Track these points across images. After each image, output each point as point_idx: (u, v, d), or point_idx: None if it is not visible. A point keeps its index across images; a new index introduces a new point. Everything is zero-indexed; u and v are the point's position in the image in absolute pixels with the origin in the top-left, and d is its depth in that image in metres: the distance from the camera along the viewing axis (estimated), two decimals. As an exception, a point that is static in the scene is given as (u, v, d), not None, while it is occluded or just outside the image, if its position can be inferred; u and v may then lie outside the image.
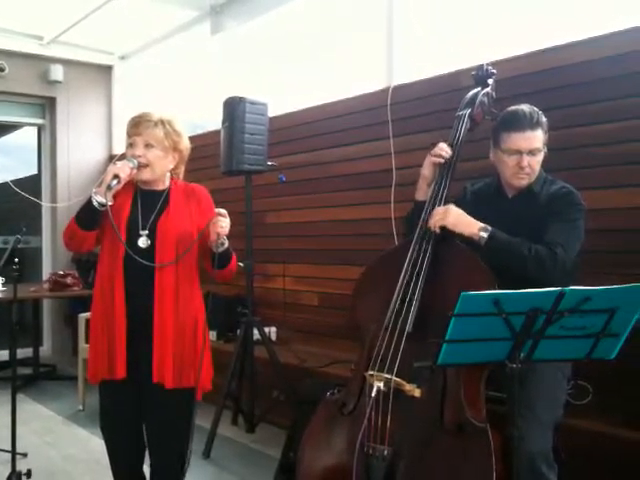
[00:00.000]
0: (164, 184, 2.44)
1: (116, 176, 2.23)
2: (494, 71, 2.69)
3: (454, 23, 3.89)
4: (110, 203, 2.23)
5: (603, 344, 1.81)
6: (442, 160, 2.43)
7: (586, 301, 1.69)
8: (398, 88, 4.03)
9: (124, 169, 2.26)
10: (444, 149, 2.44)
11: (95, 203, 2.24)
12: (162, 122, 2.35)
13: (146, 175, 2.35)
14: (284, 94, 4.87)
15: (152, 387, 2.30)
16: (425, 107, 3.81)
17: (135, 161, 2.31)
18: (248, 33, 5.34)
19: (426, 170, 2.48)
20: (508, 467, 1.95)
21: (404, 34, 4.12)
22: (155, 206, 2.38)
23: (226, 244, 2.31)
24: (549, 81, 3.24)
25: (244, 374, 3.94)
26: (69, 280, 5.42)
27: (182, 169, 2.52)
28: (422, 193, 2.50)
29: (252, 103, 3.85)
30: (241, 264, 3.77)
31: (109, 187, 2.22)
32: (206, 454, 3.66)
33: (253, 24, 5.28)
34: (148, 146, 2.33)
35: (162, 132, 2.34)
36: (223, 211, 2.28)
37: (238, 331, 3.96)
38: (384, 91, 4.08)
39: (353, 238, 4.25)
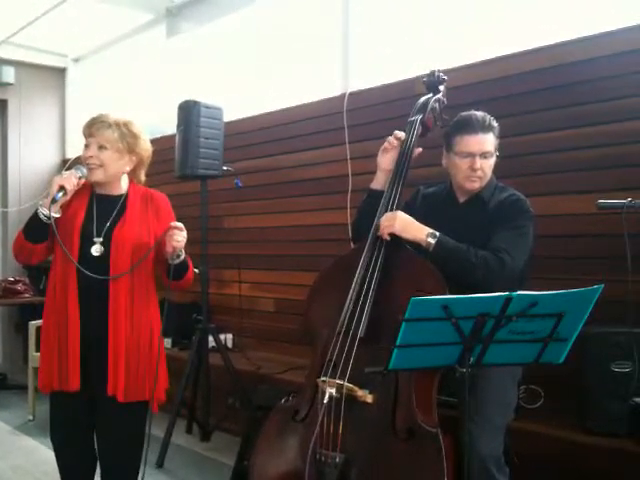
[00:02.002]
0: (121, 189, 2.39)
1: (62, 187, 2.18)
2: (445, 77, 2.71)
3: (409, 30, 3.92)
4: (57, 215, 2.18)
5: (551, 348, 1.83)
6: (396, 144, 2.46)
7: (533, 306, 1.71)
8: (354, 94, 4.05)
9: (70, 180, 2.20)
10: (399, 133, 2.48)
11: (42, 216, 2.18)
12: (117, 124, 2.31)
13: (98, 176, 2.30)
14: (241, 99, 4.84)
15: (105, 399, 2.25)
16: (381, 113, 3.83)
17: (84, 170, 2.26)
18: (204, 36, 5.29)
19: (382, 159, 2.51)
20: (460, 471, 1.96)
21: (360, 40, 4.14)
22: (111, 212, 2.33)
23: (182, 256, 2.28)
24: (500, 89, 3.30)
25: (199, 382, 3.89)
26: (20, 287, 5.30)
27: (142, 173, 2.46)
28: (378, 182, 2.52)
29: (207, 107, 3.82)
30: (196, 270, 3.73)
31: (54, 200, 2.16)
32: (159, 463, 3.59)
33: (210, 27, 5.24)
34: (101, 148, 2.29)
35: (116, 134, 2.30)
36: (180, 225, 2.24)
37: (193, 338, 3.91)
38: (340, 97, 4.09)
39: (310, 244, 4.24)
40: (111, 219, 2.31)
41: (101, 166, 2.29)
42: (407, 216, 2.30)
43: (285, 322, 4.34)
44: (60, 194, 2.17)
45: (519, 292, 1.68)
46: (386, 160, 2.50)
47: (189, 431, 4.08)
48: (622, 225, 1.82)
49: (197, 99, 3.82)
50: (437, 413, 2.14)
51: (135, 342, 2.27)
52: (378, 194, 2.47)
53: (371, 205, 2.45)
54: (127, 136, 2.32)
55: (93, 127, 2.30)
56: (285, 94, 4.55)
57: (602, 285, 1.69)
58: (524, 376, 2.60)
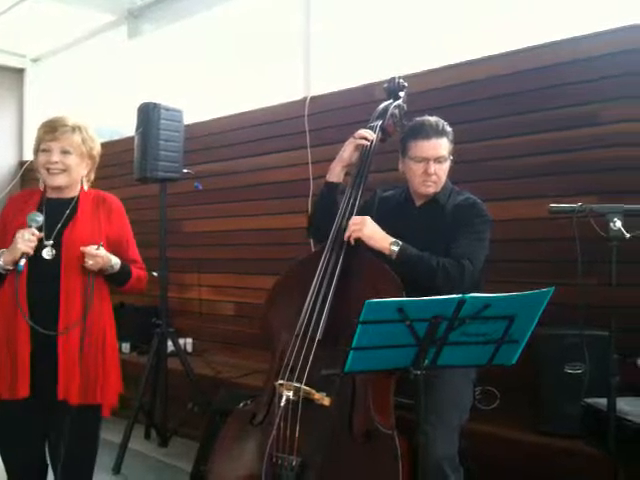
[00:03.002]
0: (73, 191, 2.36)
1: (24, 254, 2.14)
2: (405, 84, 2.75)
3: (371, 36, 3.96)
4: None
5: (504, 350, 1.85)
6: (366, 142, 2.47)
7: (486, 308, 1.73)
8: (315, 99, 4.06)
9: (32, 243, 2.16)
10: (368, 132, 2.48)
11: (1, 270, 2.19)
12: (79, 128, 2.29)
13: (62, 181, 2.29)
14: (202, 101, 4.82)
15: (57, 404, 2.20)
16: (341, 118, 3.85)
17: (39, 218, 2.20)
18: (166, 38, 5.25)
19: (346, 153, 2.51)
20: (415, 472, 1.97)
21: (321, 45, 4.16)
22: (62, 215, 2.29)
23: (116, 267, 2.28)
24: (457, 96, 3.35)
25: (158, 387, 3.84)
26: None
27: (92, 176, 2.45)
28: (334, 175, 2.53)
29: (167, 109, 3.79)
30: (154, 273, 3.70)
31: (19, 270, 2.13)
32: (116, 470, 3.53)
33: (171, 29, 5.20)
34: (65, 152, 2.27)
35: (79, 138, 2.28)
36: (89, 251, 2.20)
37: (152, 342, 3.86)
38: (302, 101, 4.10)
39: (270, 247, 4.23)
40: (62, 221, 2.28)
41: (65, 170, 2.27)
42: (374, 223, 2.33)
43: (245, 326, 4.32)
44: (23, 261, 2.14)
45: (472, 294, 1.71)
46: (352, 155, 2.50)
47: (147, 437, 4.02)
48: (573, 229, 1.85)
49: (157, 101, 3.79)
50: (394, 415, 2.15)
51: (87, 346, 2.24)
52: (335, 187, 2.50)
53: (328, 198, 2.49)
54: (87, 140, 2.32)
55: (56, 132, 2.26)
56: (247, 97, 4.55)
57: (553, 288, 1.72)
58: (480, 378, 2.64)
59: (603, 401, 1.86)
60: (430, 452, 2.02)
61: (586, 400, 2.05)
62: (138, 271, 2.43)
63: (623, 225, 1.82)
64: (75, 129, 2.28)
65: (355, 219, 2.34)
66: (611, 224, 1.80)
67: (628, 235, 1.79)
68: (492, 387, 2.99)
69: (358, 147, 2.49)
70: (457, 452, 2.16)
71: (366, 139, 2.48)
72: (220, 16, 4.78)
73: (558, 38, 3.10)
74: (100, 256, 2.22)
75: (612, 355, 1.83)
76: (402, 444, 2.03)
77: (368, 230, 2.30)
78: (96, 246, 2.21)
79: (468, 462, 2.28)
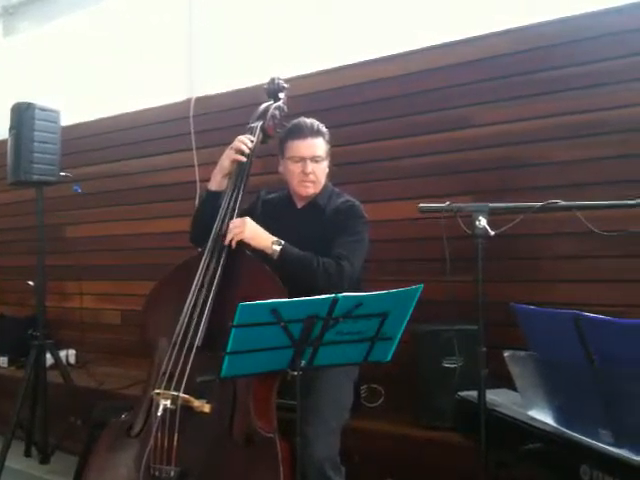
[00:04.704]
0: None
1: None
2: (285, 85, 2.75)
3: (255, 38, 3.93)
4: None
5: (378, 347, 1.88)
6: (244, 159, 2.44)
7: (359, 306, 1.75)
8: (201, 100, 4.00)
9: None
10: (244, 141, 2.45)
11: None
12: None
13: None
14: (82, 102, 4.62)
15: None
16: (228, 119, 3.79)
17: None
18: (43, 36, 5.01)
19: (226, 162, 2.47)
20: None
21: (206, 46, 4.10)
22: None
23: None
24: (339, 99, 3.40)
25: (37, 401, 3.64)
26: None
27: None
28: (215, 183, 2.49)
29: (42, 110, 3.60)
30: (30, 282, 3.52)
31: None
32: (-9, 492, 3.32)
33: (49, 27, 4.97)
34: None
35: None
36: None
37: (29, 355, 3.65)
38: (187, 102, 4.02)
39: (157, 252, 4.12)
40: None
41: None
42: (255, 223, 2.31)
43: (132, 334, 4.16)
44: None
45: (344, 293, 1.72)
46: (232, 164, 2.47)
47: (28, 454, 3.80)
48: (441, 228, 1.91)
49: (32, 101, 3.60)
50: (277, 417, 2.13)
51: None
52: (217, 195, 2.47)
53: (209, 206, 2.45)
54: None
55: None
56: (129, 98, 4.40)
57: (422, 285, 1.76)
58: (365, 376, 2.68)
59: (475, 393, 1.92)
60: (310, 453, 2.01)
61: (459, 393, 2.12)
62: None
63: (488, 223, 1.89)
64: None
65: (235, 222, 2.31)
66: (477, 222, 1.87)
67: (492, 232, 1.86)
68: (377, 385, 3.04)
69: (235, 160, 2.46)
70: (338, 452, 2.17)
71: (242, 152, 2.45)
72: (100, 14, 4.61)
73: (434, 43, 3.19)
74: None
75: (481, 349, 1.89)
76: (283, 447, 2.01)
77: (249, 231, 2.28)
78: None
79: (352, 460, 2.30)
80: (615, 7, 2.76)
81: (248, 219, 2.32)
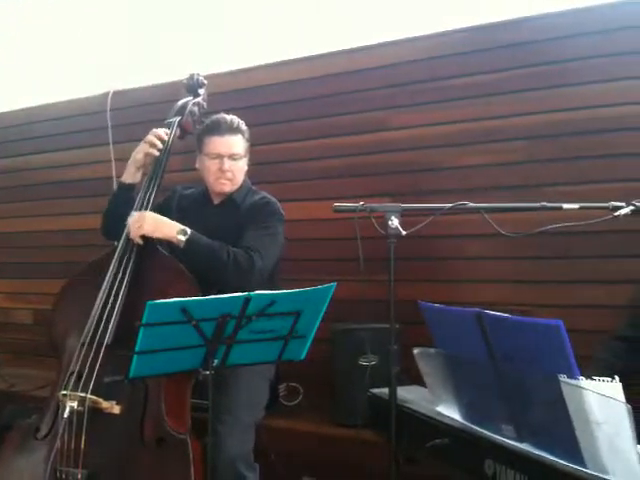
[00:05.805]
0: None
1: None
2: (205, 81, 2.73)
3: (177, 31, 3.86)
4: None
5: (292, 346, 1.89)
6: (157, 153, 2.41)
7: (272, 305, 1.75)
8: (119, 93, 3.90)
9: None
10: (159, 135, 2.42)
11: None
12: None
13: None
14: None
15: None
16: (146, 114, 3.70)
17: None
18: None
19: (139, 155, 2.43)
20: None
21: (126, 39, 4.00)
22: None
23: None
24: (258, 98, 3.40)
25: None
26: None
27: None
28: (129, 176, 2.45)
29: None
30: None
31: None
32: None
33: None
34: None
35: None
36: None
37: None
38: (104, 95, 3.92)
39: (69, 249, 4.00)
40: None
41: None
42: (156, 215, 2.27)
43: (45, 334, 4.02)
44: None
45: (257, 292, 1.72)
46: (146, 157, 2.43)
47: None
48: (355, 228, 1.93)
49: None
50: (191, 417, 2.11)
51: None
52: (130, 187, 2.44)
53: (121, 199, 2.41)
54: None
55: None
56: (40, 90, 4.24)
57: (334, 283, 1.78)
58: (284, 374, 2.68)
59: (387, 391, 1.94)
60: (223, 451, 2.02)
61: (371, 390, 2.15)
62: None
63: (402, 224, 1.92)
64: None
65: (133, 217, 2.25)
66: (389, 222, 1.89)
67: (404, 232, 1.89)
68: (296, 383, 3.05)
69: (149, 154, 2.41)
70: (252, 449, 2.17)
71: (156, 146, 2.41)
72: (12, 1, 4.42)
73: (353, 46, 3.23)
74: None
75: (392, 347, 1.92)
76: (195, 447, 2.00)
77: (149, 225, 2.23)
78: None
79: (268, 458, 2.30)
80: (521, 17, 2.87)
81: (147, 212, 2.27)
